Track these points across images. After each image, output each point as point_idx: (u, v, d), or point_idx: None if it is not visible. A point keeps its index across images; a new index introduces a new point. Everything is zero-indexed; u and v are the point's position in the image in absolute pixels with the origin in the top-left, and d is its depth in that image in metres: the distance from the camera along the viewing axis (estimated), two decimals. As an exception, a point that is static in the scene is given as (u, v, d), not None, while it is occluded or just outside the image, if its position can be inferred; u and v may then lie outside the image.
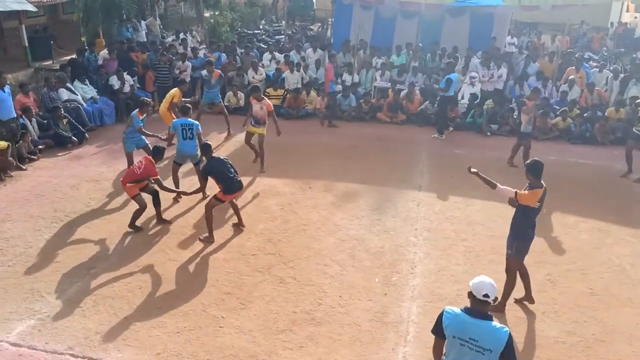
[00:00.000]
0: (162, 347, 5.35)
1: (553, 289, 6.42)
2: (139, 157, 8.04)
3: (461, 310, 3.55)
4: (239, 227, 7.75)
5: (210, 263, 6.88)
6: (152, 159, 7.53)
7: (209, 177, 7.42)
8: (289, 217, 8.10)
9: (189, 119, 8.56)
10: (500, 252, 7.15)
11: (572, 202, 8.73)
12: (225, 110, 11.68)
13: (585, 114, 12.22)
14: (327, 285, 6.41)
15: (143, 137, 8.94)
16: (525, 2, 14.84)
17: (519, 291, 6.05)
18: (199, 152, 8.28)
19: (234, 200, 7.70)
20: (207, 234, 7.40)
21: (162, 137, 9.17)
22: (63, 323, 5.66)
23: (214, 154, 7.50)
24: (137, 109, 8.84)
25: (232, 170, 7.36)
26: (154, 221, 7.89)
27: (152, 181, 7.61)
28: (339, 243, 7.38)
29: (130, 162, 8.82)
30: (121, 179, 7.62)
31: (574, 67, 13.66)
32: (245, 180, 8.14)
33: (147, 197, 7.68)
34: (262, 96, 9.82)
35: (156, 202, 7.79)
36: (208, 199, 7.68)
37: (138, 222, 7.67)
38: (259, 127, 9.68)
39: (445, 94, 11.88)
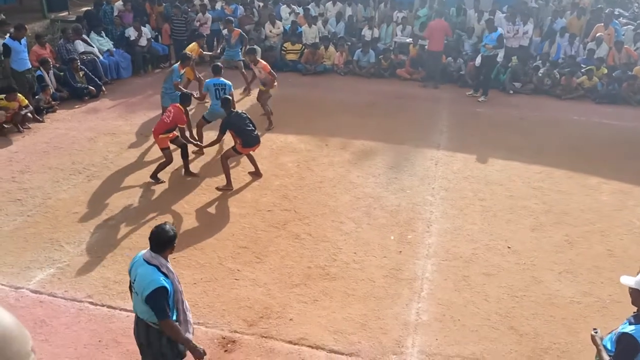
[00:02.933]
0: (179, 297, 5.43)
1: (571, 250, 6.34)
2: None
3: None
4: (256, 175, 7.81)
5: (226, 218, 6.91)
6: (180, 106, 7.53)
7: (227, 131, 7.40)
8: (304, 174, 8.06)
9: (222, 79, 8.47)
10: (518, 213, 7.10)
11: (594, 163, 8.51)
12: (244, 70, 11.47)
13: (613, 73, 11.81)
14: (342, 241, 6.42)
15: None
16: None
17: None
18: None
19: (251, 153, 7.71)
20: (225, 184, 7.46)
21: (195, 96, 9.11)
22: (82, 272, 5.77)
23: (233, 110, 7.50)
24: (179, 62, 8.79)
25: (251, 125, 7.40)
26: (179, 174, 7.92)
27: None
28: (354, 201, 7.35)
29: None
30: (153, 130, 7.65)
31: (602, 24, 13.11)
32: (261, 136, 8.07)
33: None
34: (257, 59, 9.64)
35: (184, 154, 7.82)
36: (224, 151, 7.70)
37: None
38: (264, 87, 9.71)
39: (490, 53, 11.43)
